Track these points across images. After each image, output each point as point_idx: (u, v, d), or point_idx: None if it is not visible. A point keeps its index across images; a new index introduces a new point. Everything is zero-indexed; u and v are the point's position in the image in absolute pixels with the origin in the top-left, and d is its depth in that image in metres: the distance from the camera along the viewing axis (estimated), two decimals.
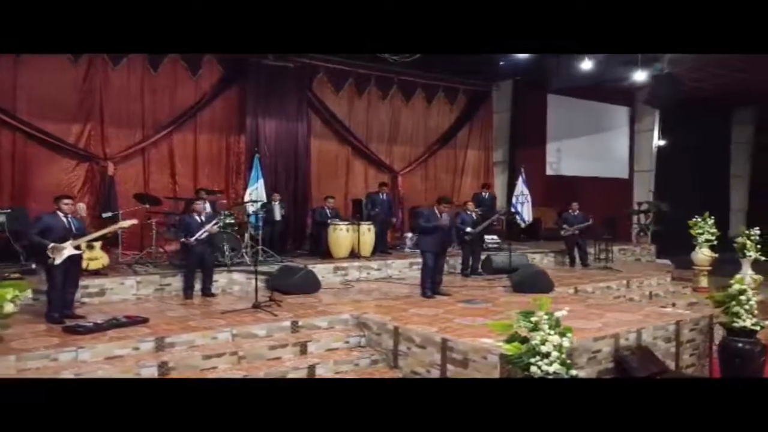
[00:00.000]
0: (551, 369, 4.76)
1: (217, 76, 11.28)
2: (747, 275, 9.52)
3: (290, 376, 5.81)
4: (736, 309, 6.54)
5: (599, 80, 13.38)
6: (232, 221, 9.57)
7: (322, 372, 6.03)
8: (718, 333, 6.97)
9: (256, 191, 10.66)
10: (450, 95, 14.18)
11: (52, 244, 6.34)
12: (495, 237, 11.87)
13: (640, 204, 15.05)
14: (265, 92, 11.36)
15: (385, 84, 13.15)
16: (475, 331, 6.09)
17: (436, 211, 8.20)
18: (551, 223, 14.69)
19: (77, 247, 6.59)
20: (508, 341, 5.00)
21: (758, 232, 9.67)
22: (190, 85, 11.08)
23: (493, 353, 5.31)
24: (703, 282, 10.75)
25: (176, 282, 8.29)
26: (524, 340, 4.99)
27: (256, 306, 7.18)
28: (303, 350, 6.30)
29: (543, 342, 4.83)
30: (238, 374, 5.66)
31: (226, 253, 8.97)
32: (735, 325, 6.54)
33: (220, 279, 8.56)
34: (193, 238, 7.97)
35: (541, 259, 11.74)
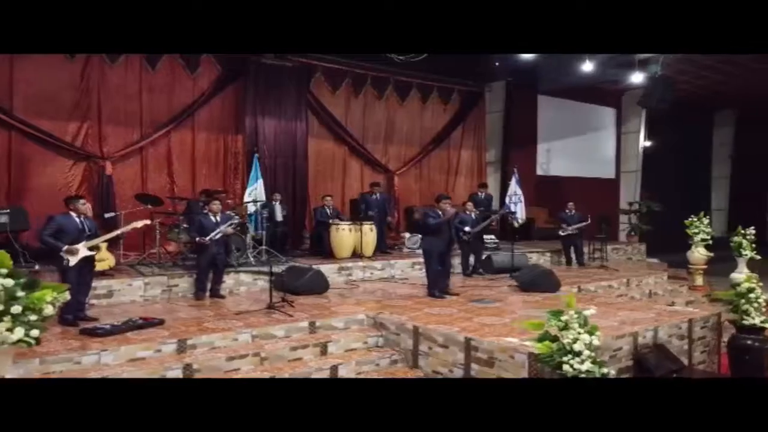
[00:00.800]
0: (583, 367, 4.82)
1: (216, 75, 11.19)
2: (743, 273, 9.71)
3: (313, 377, 5.79)
4: (746, 307, 6.68)
5: (590, 82, 13.60)
6: (240, 221, 9.48)
7: (344, 372, 6.02)
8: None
9: (255, 191, 10.59)
10: (444, 96, 14.26)
11: (66, 246, 6.24)
12: (493, 237, 11.96)
13: (631, 204, 15.28)
14: (264, 91, 11.30)
15: (381, 84, 13.18)
16: (496, 330, 6.14)
17: (438, 211, 8.23)
18: (543, 222, 14.90)
19: (91, 249, 6.49)
20: (539, 340, 5.06)
21: (753, 231, 9.91)
22: (188, 84, 10.97)
23: (520, 352, 5.35)
24: (699, 280, 10.98)
25: (183, 283, 8.21)
26: (554, 339, 5.06)
27: (270, 307, 7.13)
28: (323, 351, 6.29)
29: (575, 340, 4.89)
30: (262, 376, 5.62)
31: (234, 253, 8.89)
32: (745, 322, 6.68)
33: (227, 280, 8.48)
34: (208, 237, 7.89)
35: (538, 259, 11.86)
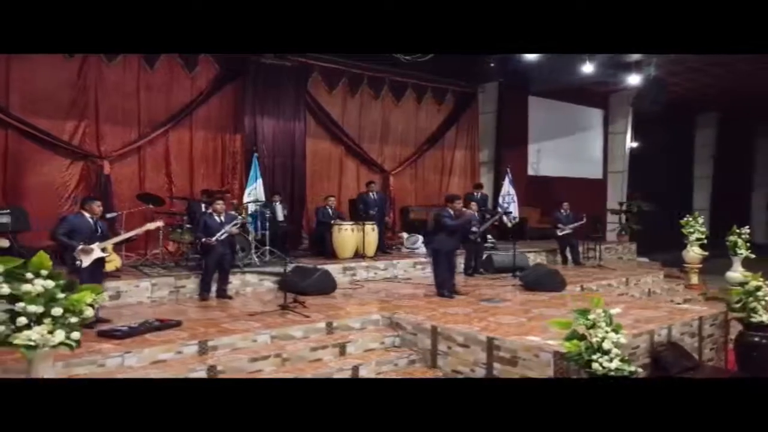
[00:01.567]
0: (612, 365, 4.89)
1: (214, 74, 11.08)
2: (738, 272, 9.95)
3: (336, 377, 5.77)
4: (754, 305, 6.82)
5: (579, 83, 13.77)
6: (243, 221, 9.40)
7: (364, 373, 6.02)
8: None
9: (254, 191, 10.53)
10: (438, 96, 14.32)
11: (81, 246, 6.14)
12: (490, 237, 12.03)
13: (622, 204, 15.50)
14: (262, 91, 11.23)
15: (377, 84, 13.19)
16: (514, 329, 6.19)
17: (450, 211, 8.27)
18: (535, 222, 15.05)
19: (103, 250, 6.39)
20: (568, 339, 5.11)
21: (748, 230, 10.13)
22: (187, 83, 10.85)
23: (546, 351, 5.40)
24: (694, 279, 11.18)
25: (191, 284, 8.13)
26: (582, 338, 5.12)
27: (284, 308, 7.09)
28: (342, 351, 6.28)
29: (603, 339, 4.96)
30: (285, 377, 5.59)
31: (238, 254, 8.82)
32: (752, 320, 6.82)
33: (233, 280, 8.40)
34: (214, 238, 7.82)
35: (534, 258, 11.96)
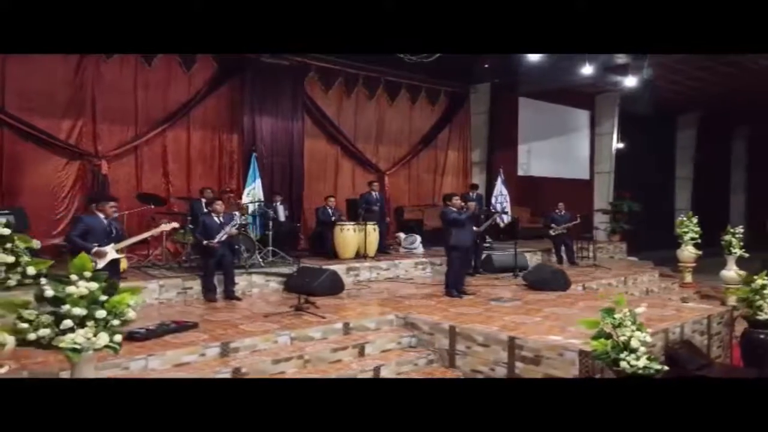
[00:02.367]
0: (640, 363, 4.97)
1: (211, 72, 10.95)
2: (732, 270, 10.17)
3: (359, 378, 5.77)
4: (760, 303, 6.98)
5: (567, 84, 13.94)
6: (245, 222, 9.33)
7: (385, 373, 6.02)
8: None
9: (253, 191, 10.46)
10: (432, 96, 14.36)
11: (96, 248, 6.03)
12: (487, 236, 12.11)
13: (613, 204, 15.72)
14: (261, 90, 11.13)
15: (372, 84, 13.17)
16: (532, 328, 6.25)
17: (452, 208, 8.30)
18: (525, 222, 15.18)
19: (123, 251, 6.30)
20: (595, 338, 5.18)
21: (742, 230, 10.34)
22: (184, 81, 10.71)
23: (570, 350, 5.46)
24: (688, 278, 11.39)
25: (198, 285, 8.02)
26: (608, 337, 5.19)
27: (298, 308, 7.05)
28: (361, 352, 6.27)
29: (630, 338, 5.03)
30: (309, 377, 5.57)
31: (243, 255, 8.75)
32: (759, 317, 6.98)
33: (239, 281, 8.33)
34: (216, 239, 7.75)
35: (530, 258, 12.05)
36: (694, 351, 6.36)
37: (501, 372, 5.93)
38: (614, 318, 5.16)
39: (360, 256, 10.25)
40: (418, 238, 11.85)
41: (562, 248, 12.17)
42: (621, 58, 12.75)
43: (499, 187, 13.77)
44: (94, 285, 3.76)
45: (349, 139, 12.89)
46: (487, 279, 10.05)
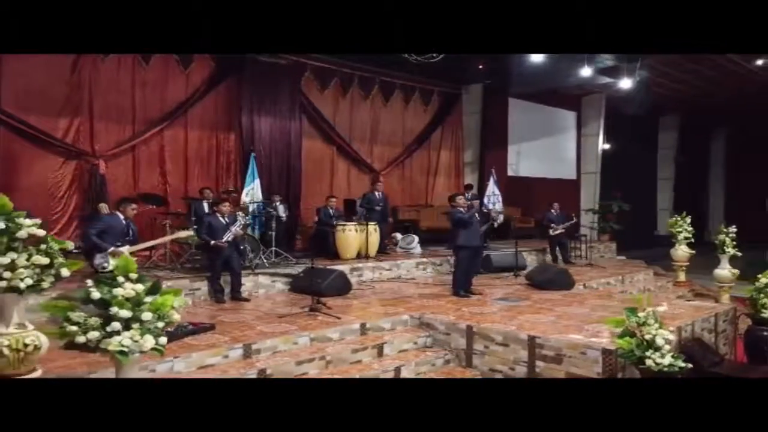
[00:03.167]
0: (665, 361, 5.05)
1: (209, 71, 10.88)
2: (725, 269, 10.37)
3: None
4: (764, 301, 7.15)
5: (555, 85, 14.12)
6: (247, 222, 9.25)
7: (405, 373, 6.03)
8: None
9: (252, 191, 10.38)
10: (425, 97, 14.42)
11: (112, 248, 5.94)
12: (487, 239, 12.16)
13: (602, 204, 15.94)
14: (259, 89, 11.06)
15: (367, 84, 13.18)
16: (550, 327, 6.31)
17: (459, 208, 8.35)
18: (517, 222, 15.31)
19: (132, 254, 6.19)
20: (621, 336, 5.26)
21: (735, 229, 10.55)
22: (182, 80, 10.62)
23: (594, 348, 5.53)
24: (682, 276, 11.59)
25: (205, 286, 7.93)
26: (632, 335, 5.27)
27: (313, 309, 7.02)
28: (380, 352, 6.27)
29: (655, 336, 5.12)
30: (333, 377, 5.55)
31: (248, 255, 8.68)
32: (762, 315, 7.15)
33: (245, 282, 8.25)
34: (224, 239, 7.68)
35: (526, 257, 12.13)
36: (706, 348, 6.49)
37: (521, 371, 5.97)
38: (638, 317, 5.26)
39: (361, 256, 10.23)
40: (416, 238, 11.87)
41: (557, 248, 12.28)
42: (611, 60, 12.98)
43: (492, 187, 13.86)
44: (140, 287, 3.71)
45: (345, 139, 12.88)
46: (488, 279, 10.10)
